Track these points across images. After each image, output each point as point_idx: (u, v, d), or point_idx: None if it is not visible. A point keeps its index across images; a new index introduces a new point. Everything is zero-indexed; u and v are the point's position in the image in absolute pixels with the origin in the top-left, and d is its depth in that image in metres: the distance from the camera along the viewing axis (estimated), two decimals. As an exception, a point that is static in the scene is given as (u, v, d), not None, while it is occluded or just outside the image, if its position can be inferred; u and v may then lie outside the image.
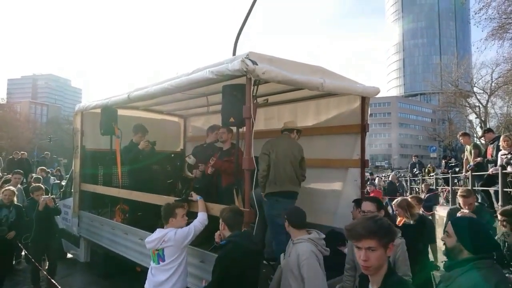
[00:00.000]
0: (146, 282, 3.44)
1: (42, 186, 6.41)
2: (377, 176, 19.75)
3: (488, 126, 29.13)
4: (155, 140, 5.69)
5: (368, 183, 11.66)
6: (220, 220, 3.17)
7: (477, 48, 20.90)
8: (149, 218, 5.13)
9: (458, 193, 4.78)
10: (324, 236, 3.10)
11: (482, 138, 7.75)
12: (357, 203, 3.76)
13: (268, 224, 4.23)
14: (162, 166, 6.69)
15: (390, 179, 14.23)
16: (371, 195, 8.03)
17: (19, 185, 7.48)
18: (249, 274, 2.88)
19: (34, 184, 6.51)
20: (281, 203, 3.97)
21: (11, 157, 13.14)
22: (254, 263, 2.96)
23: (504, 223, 3.58)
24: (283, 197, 4.07)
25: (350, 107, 4.89)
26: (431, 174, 14.03)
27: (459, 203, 4.88)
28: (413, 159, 15.46)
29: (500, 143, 6.98)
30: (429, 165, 15.99)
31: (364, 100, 4.68)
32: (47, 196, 5.82)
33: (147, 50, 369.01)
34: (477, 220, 2.11)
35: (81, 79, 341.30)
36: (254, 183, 3.48)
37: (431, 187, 12.83)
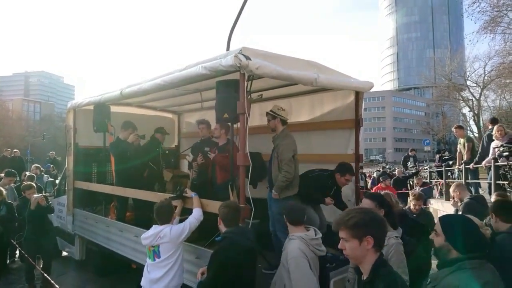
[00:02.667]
0: (142, 279, 3.43)
1: (34, 184, 6.33)
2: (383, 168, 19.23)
3: (481, 119, 29.44)
4: (144, 134, 5.70)
5: (381, 177, 11.43)
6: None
7: (470, 41, 21.08)
8: (141, 216, 5.13)
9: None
10: (321, 235, 3.09)
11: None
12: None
13: (276, 221, 4.07)
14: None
15: (396, 174, 13.50)
16: (385, 190, 7.99)
17: (11, 184, 7.41)
18: (245, 270, 2.88)
19: (26, 183, 6.44)
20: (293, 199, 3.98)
21: (2, 155, 12.96)
22: (249, 259, 2.96)
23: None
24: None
25: (344, 102, 4.89)
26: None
27: (452, 197, 5.09)
28: (409, 153, 14.96)
29: (494, 133, 7.04)
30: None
31: (358, 95, 4.68)
32: (39, 195, 5.74)
33: (140, 47, 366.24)
34: (466, 218, 1.97)
35: (74, 76, 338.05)
36: (249, 179, 3.47)
37: (424, 180, 12.88)
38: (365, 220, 1.81)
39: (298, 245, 2.92)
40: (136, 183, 5.25)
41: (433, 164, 13.88)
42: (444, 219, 1.95)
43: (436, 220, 2.10)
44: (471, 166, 7.86)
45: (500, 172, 6.87)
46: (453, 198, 5.03)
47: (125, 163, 5.38)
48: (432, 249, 1.93)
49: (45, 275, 4.86)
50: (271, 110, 4.23)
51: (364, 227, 1.80)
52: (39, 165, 11.57)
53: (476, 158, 7.75)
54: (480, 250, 1.77)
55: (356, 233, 1.80)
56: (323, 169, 4.47)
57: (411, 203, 5.24)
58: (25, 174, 9.09)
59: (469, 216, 2.62)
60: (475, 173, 8.17)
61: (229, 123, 4.07)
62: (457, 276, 1.70)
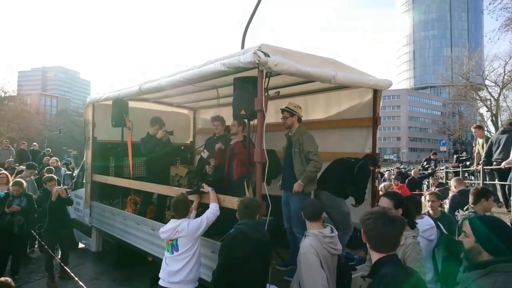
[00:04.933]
0: (161, 271, 3.51)
1: (55, 176, 6.50)
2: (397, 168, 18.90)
3: (499, 120, 28.74)
4: (172, 130, 5.82)
5: (394, 176, 11.24)
6: None
7: (490, 39, 20.63)
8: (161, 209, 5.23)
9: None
10: (336, 233, 3.09)
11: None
12: None
13: (295, 217, 4.03)
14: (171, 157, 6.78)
15: (412, 174, 12.89)
16: (396, 189, 7.89)
17: (31, 176, 7.60)
18: (253, 260, 2.93)
19: (47, 175, 6.60)
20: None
21: (20, 148, 13.30)
22: (258, 251, 2.99)
23: None
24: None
25: (362, 100, 4.85)
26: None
27: (452, 190, 5.80)
28: (431, 156, 14.64)
29: None
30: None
31: (376, 93, 4.64)
32: (60, 187, 5.91)
33: (155, 43, 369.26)
34: (497, 219, 1.90)
35: (90, 72, 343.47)
36: (265, 176, 3.49)
37: (440, 181, 12.64)
38: (365, 217, 1.91)
39: (311, 242, 2.95)
40: (164, 177, 5.42)
41: (450, 165, 13.60)
42: (474, 220, 1.88)
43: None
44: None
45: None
46: (452, 191, 5.65)
47: (154, 158, 5.54)
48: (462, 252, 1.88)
49: (64, 266, 4.98)
50: (287, 107, 4.23)
51: (361, 223, 1.92)
52: (57, 158, 11.86)
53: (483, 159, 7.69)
54: None
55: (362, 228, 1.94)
56: (349, 157, 4.49)
57: (427, 204, 5.01)
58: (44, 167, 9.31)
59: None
60: (492, 175, 8.00)
61: (246, 120, 4.09)
62: (491, 280, 1.64)
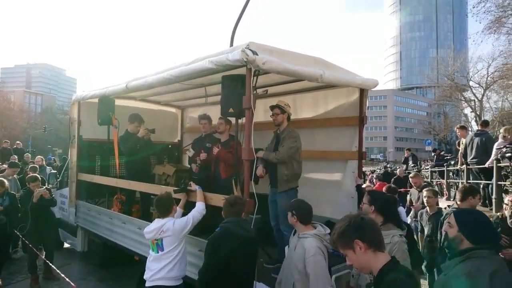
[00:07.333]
0: (145, 272, 3.47)
1: (39, 176, 6.35)
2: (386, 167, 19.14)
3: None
4: (154, 128, 5.70)
5: (375, 175, 11.33)
6: None
7: (473, 41, 21.12)
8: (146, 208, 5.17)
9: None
10: (329, 230, 3.10)
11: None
12: None
13: (282, 215, 3.96)
14: (158, 156, 6.76)
15: (398, 174, 13.44)
16: (376, 187, 8.07)
17: (14, 175, 7.44)
18: (239, 258, 2.94)
19: (31, 174, 6.45)
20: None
21: (2, 146, 12.99)
22: (244, 248, 3.00)
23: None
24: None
25: (349, 99, 4.89)
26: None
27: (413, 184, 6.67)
28: (406, 153, 14.68)
29: (502, 133, 7.12)
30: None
31: (363, 92, 4.68)
32: (43, 188, 5.74)
33: (143, 42, 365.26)
34: (479, 212, 2.13)
35: (76, 69, 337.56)
36: (253, 175, 3.49)
37: (425, 179, 12.84)
38: (345, 226, 1.77)
39: (315, 243, 2.92)
40: (145, 176, 5.34)
41: (428, 162, 13.78)
42: (458, 212, 2.13)
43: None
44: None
45: (502, 173, 6.88)
46: (413, 185, 6.67)
47: (134, 156, 5.44)
48: (445, 241, 2.05)
49: (50, 263, 4.89)
50: (279, 105, 4.25)
51: (347, 233, 1.76)
52: (42, 157, 11.65)
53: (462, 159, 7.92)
54: (490, 241, 1.91)
55: (345, 243, 1.76)
56: None
57: (425, 200, 4.92)
58: (28, 166, 9.11)
59: None
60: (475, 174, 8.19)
61: (234, 118, 4.09)
62: (467, 264, 1.81)
